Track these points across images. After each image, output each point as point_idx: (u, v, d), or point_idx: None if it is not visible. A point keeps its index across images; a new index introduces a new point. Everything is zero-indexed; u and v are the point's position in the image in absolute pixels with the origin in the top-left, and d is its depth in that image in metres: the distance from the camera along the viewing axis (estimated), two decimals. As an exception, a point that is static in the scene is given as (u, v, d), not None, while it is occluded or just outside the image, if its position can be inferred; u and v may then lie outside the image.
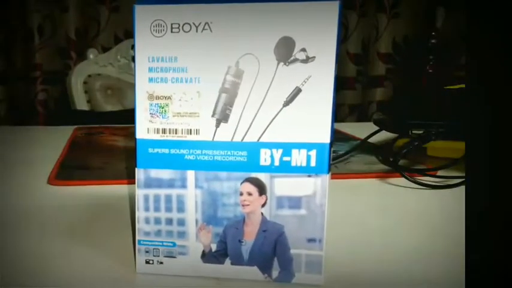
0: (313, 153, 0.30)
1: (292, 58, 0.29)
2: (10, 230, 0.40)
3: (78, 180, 0.54)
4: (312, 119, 0.30)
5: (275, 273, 0.31)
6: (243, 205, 0.31)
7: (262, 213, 0.31)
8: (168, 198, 0.32)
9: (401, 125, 0.62)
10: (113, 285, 0.31)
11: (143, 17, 0.31)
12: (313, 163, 0.30)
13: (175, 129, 0.31)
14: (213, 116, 0.30)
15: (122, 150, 0.70)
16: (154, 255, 0.33)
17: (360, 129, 0.90)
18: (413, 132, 0.61)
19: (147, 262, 0.33)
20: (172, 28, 0.31)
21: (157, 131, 0.32)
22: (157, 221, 0.33)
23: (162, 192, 0.32)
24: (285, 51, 0.29)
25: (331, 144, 0.30)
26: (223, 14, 0.29)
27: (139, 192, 0.32)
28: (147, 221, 0.33)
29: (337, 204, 0.48)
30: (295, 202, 0.30)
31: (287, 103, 0.29)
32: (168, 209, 0.32)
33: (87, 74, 1.55)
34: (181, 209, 0.32)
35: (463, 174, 0.58)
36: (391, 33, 1.91)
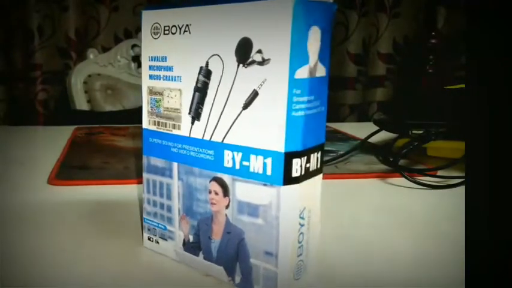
0: (268, 161, 0.28)
1: (250, 60, 0.28)
2: (10, 230, 0.40)
3: (78, 180, 0.54)
4: (268, 125, 0.28)
5: (237, 278, 0.31)
6: (211, 203, 0.31)
7: (226, 215, 0.31)
8: (161, 185, 0.35)
9: (401, 125, 0.62)
10: (117, 284, 0.31)
11: (147, 21, 0.34)
12: (269, 172, 0.28)
13: (165, 123, 0.34)
14: (189, 113, 0.32)
15: (122, 150, 0.70)
16: (153, 234, 0.36)
17: (360, 129, 0.90)
18: (413, 132, 0.61)
19: (149, 239, 0.36)
20: (164, 30, 0.33)
21: (154, 123, 0.34)
22: (155, 203, 0.35)
23: (157, 178, 0.35)
24: (244, 52, 0.28)
25: (301, 153, 0.28)
26: (199, 16, 0.30)
27: (144, 176, 0.36)
28: (148, 201, 0.36)
29: (337, 204, 0.48)
30: (253, 210, 0.29)
31: (246, 106, 0.29)
32: (161, 195, 0.35)
33: (87, 74, 1.55)
34: (169, 196, 0.34)
35: (463, 174, 0.58)
36: (392, 33, 1.91)
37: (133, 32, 1.78)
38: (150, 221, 0.36)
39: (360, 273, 0.33)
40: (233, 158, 0.30)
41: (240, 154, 0.29)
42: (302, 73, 0.27)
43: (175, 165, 0.33)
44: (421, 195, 0.51)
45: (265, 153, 0.28)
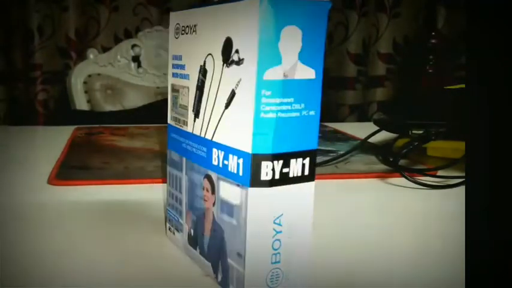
0: (240, 162, 0.28)
1: (230, 60, 0.28)
2: (10, 230, 0.40)
3: (78, 180, 0.54)
4: (241, 125, 0.28)
5: (219, 276, 0.31)
6: (204, 200, 0.32)
7: (213, 213, 0.31)
8: (176, 178, 0.36)
9: (401, 125, 0.62)
10: (117, 284, 0.31)
11: (172, 21, 0.36)
12: (240, 172, 0.28)
13: (179, 119, 0.35)
14: (192, 110, 0.33)
15: (122, 150, 0.70)
16: (171, 225, 0.38)
17: (360, 129, 0.90)
18: (413, 132, 0.61)
19: (169, 229, 0.38)
20: (182, 30, 0.34)
21: (173, 118, 0.36)
22: (172, 195, 0.37)
23: (174, 172, 0.37)
24: (227, 52, 0.28)
25: (273, 157, 0.27)
26: (203, 17, 0.31)
27: (167, 169, 0.38)
28: (169, 193, 0.38)
29: (337, 204, 0.48)
30: (230, 209, 0.29)
31: (226, 105, 0.29)
32: (176, 188, 0.36)
33: (87, 74, 1.55)
34: (180, 190, 0.36)
35: (463, 174, 0.58)
36: (392, 33, 1.91)
37: (133, 32, 1.78)
38: (170, 211, 0.38)
39: (360, 273, 0.33)
40: (218, 157, 0.30)
41: (223, 153, 0.29)
42: (273, 74, 0.27)
43: (184, 160, 0.34)
44: (421, 195, 0.51)
45: (238, 153, 0.28)
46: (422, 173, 0.57)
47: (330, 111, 1.93)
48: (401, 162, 0.64)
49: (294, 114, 0.28)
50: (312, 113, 0.28)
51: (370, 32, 1.90)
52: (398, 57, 1.93)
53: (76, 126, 0.91)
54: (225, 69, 0.29)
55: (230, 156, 0.29)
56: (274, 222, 0.28)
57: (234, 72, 0.28)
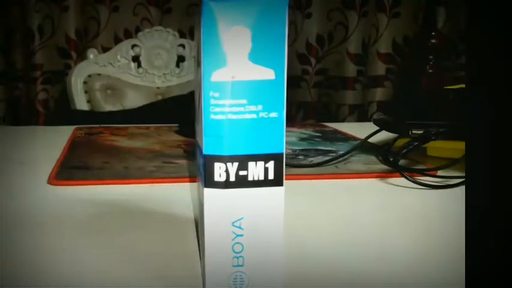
0: (201, 161, 0.28)
1: (196, 61, 0.28)
2: (10, 230, 0.40)
3: (78, 180, 0.54)
4: (201, 126, 0.28)
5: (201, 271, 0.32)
6: None
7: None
8: None
9: (401, 125, 0.62)
10: (117, 285, 0.31)
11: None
12: (201, 172, 0.28)
13: None
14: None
15: (122, 150, 0.70)
16: None
17: (360, 129, 0.90)
18: (413, 132, 0.61)
19: None
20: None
21: None
22: None
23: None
24: (197, 52, 0.29)
25: (226, 158, 0.27)
26: None
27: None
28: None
29: (337, 204, 0.48)
30: (201, 208, 0.30)
31: (198, 105, 0.29)
32: None
33: (87, 74, 1.55)
34: None
35: (463, 174, 0.58)
36: (391, 33, 1.91)
37: (133, 32, 1.78)
38: None
39: (360, 273, 0.33)
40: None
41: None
42: (219, 76, 0.26)
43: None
44: (421, 195, 0.51)
45: (201, 153, 0.28)
46: (422, 173, 0.57)
47: (330, 111, 1.93)
48: (401, 162, 0.64)
49: (249, 116, 0.27)
50: (273, 115, 0.27)
51: (370, 32, 1.90)
52: (398, 57, 1.93)
53: (76, 126, 0.91)
54: (197, 70, 0.29)
55: (198, 155, 0.30)
56: (234, 225, 0.28)
57: (197, 74, 0.28)
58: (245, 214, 0.28)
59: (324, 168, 0.61)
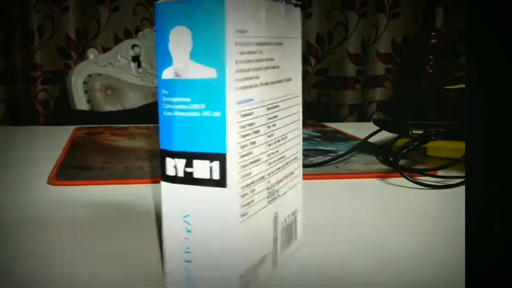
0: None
1: None
2: (10, 230, 0.40)
3: (78, 180, 0.54)
4: None
5: None
6: None
7: None
8: None
9: (401, 125, 0.62)
10: (118, 285, 0.31)
11: None
12: None
13: None
14: None
15: (122, 150, 0.70)
16: None
17: (360, 129, 0.90)
18: (413, 132, 0.61)
19: None
20: None
21: None
22: None
23: None
24: None
25: (174, 154, 0.28)
26: None
27: None
28: None
29: (337, 204, 0.48)
30: None
31: None
32: None
33: (87, 74, 1.55)
34: None
35: (463, 174, 0.58)
36: (391, 33, 1.91)
37: (133, 32, 1.78)
38: None
39: (360, 273, 0.33)
40: None
41: None
42: (167, 74, 0.27)
43: None
44: (421, 195, 0.51)
45: None
46: (422, 173, 0.57)
47: (329, 111, 1.93)
48: (401, 162, 0.64)
49: (193, 114, 0.27)
50: (216, 114, 0.27)
51: (370, 32, 1.90)
52: (397, 57, 1.93)
53: (76, 126, 0.91)
54: None
55: None
56: (184, 221, 0.28)
57: None
58: (191, 211, 0.28)
59: (324, 168, 0.61)
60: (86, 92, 1.54)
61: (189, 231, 0.28)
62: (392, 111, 0.69)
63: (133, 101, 1.58)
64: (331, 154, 0.69)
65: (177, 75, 0.27)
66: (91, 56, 1.57)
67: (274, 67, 0.31)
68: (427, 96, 0.68)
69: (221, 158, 0.27)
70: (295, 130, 0.34)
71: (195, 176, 0.28)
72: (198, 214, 0.28)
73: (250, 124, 0.28)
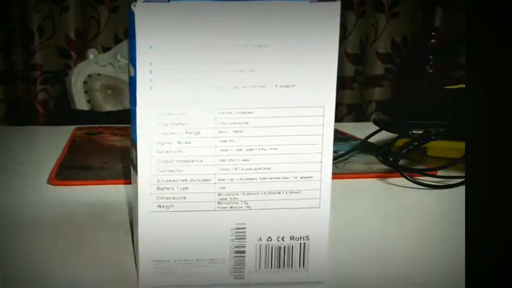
0: None
1: None
2: (10, 230, 0.40)
3: (78, 180, 0.54)
4: None
5: None
6: None
7: None
8: None
9: (401, 125, 0.62)
10: (118, 285, 0.31)
11: None
12: None
13: None
14: None
15: (122, 150, 0.70)
16: None
17: (360, 129, 0.90)
18: (413, 132, 0.61)
19: None
20: None
21: None
22: None
23: None
24: None
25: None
26: None
27: None
28: None
29: (337, 204, 0.48)
30: None
31: None
32: None
33: (87, 74, 1.55)
34: None
35: (463, 174, 0.58)
36: (390, 33, 1.91)
37: (133, 32, 1.78)
38: None
39: (359, 274, 0.33)
40: None
41: None
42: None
43: None
44: (421, 195, 0.51)
45: None
46: (422, 173, 0.57)
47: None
48: (401, 162, 0.64)
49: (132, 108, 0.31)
50: (134, 108, 0.30)
51: (369, 32, 1.91)
52: (397, 57, 1.93)
53: (76, 126, 0.91)
54: None
55: None
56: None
57: None
58: (134, 193, 0.32)
59: (324, 168, 0.61)
60: (86, 92, 1.54)
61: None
62: (392, 111, 0.69)
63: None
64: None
65: (130, 74, 0.31)
66: (91, 56, 1.57)
67: (240, 71, 0.29)
68: (427, 96, 0.68)
69: (135, 147, 0.29)
70: (301, 145, 0.30)
71: (134, 162, 0.31)
72: (133, 197, 0.32)
73: (179, 124, 0.29)
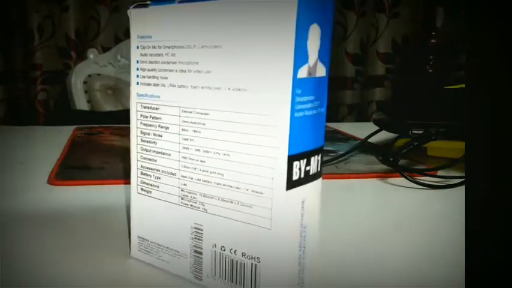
0: None
1: None
2: (10, 230, 0.40)
3: (78, 180, 0.54)
4: None
5: None
6: None
7: None
8: None
9: (401, 125, 0.62)
10: (119, 284, 0.31)
11: None
12: None
13: None
14: None
15: (122, 150, 0.70)
16: None
17: (360, 129, 0.90)
18: (413, 132, 0.61)
19: None
20: None
21: None
22: None
23: None
24: None
25: None
26: None
27: None
28: None
29: (337, 204, 0.48)
30: None
31: None
32: None
33: (87, 74, 1.55)
34: None
35: (463, 174, 0.58)
36: (391, 33, 1.91)
37: (133, 32, 1.78)
38: None
39: (359, 273, 0.33)
40: None
41: None
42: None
43: None
44: (421, 195, 0.51)
45: None
46: (422, 173, 0.57)
47: (328, 111, 1.93)
48: (401, 162, 0.64)
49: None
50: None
51: (369, 32, 1.91)
52: (397, 57, 1.93)
53: (76, 126, 0.91)
54: None
55: None
56: None
57: None
58: None
59: (323, 168, 0.61)
60: (85, 92, 1.54)
61: None
62: (392, 111, 0.69)
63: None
64: (331, 154, 0.69)
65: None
66: (91, 56, 1.57)
67: (198, 71, 0.28)
68: (427, 96, 0.68)
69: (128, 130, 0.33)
70: (253, 156, 0.27)
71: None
72: None
73: (155, 117, 0.31)
